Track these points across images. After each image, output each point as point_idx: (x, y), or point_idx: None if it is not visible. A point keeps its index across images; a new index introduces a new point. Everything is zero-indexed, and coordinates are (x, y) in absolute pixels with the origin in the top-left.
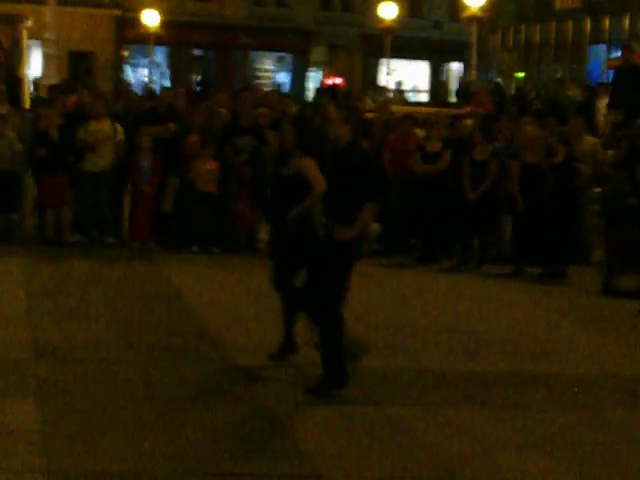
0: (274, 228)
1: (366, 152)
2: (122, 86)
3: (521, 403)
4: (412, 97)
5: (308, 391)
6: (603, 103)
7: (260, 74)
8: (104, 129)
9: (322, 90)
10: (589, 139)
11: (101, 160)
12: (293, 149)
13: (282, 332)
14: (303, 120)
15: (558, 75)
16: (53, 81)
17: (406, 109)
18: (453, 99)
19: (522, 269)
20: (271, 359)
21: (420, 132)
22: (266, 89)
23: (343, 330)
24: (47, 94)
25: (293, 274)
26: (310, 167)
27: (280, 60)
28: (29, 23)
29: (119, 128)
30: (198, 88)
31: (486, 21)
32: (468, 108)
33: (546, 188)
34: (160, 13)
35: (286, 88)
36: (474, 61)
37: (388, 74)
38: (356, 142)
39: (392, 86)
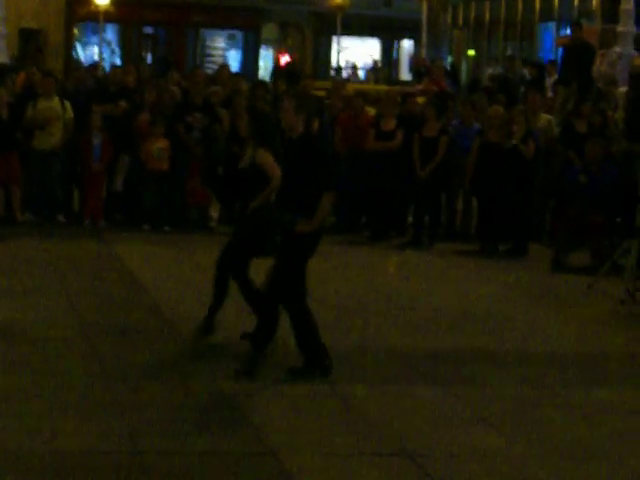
0: (236, 218)
1: (321, 142)
2: (72, 64)
3: (472, 379)
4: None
5: (291, 371)
6: (552, 81)
7: (211, 52)
8: (53, 107)
9: (278, 70)
10: (544, 116)
11: (51, 138)
12: (248, 138)
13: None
14: (257, 110)
15: (508, 53)
16: (2, 59)
17: (358, 87)
18: (405, 77)
19: (487, 247)
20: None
21: (371, 110)
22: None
23: (310, 314)
24: None
25: (247, 262)
26: (266, 158)
27: (231, 38)
28: None
29: (68, 106)
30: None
31: None
32: (421, 86)
33: (506, 166)
34: None
35: (237, 66)
36: (424, 39)
37: (339, 52)
38: (310, 132)
39: (343, 65)
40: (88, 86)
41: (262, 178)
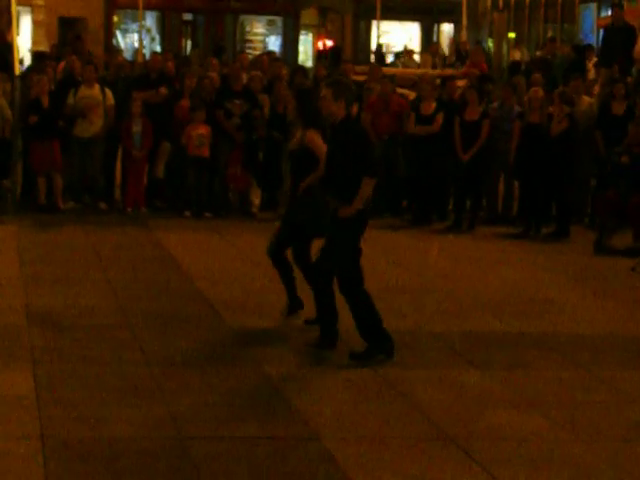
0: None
1: (362, 128)
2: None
3: (516, 363)
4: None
5: (352, 356)
6: (593, 63)
7: (251, 38)
8: (94, 95)
9: (322, 53)
10: (586, 99)
11: (91, 126)
12: (296, 121)
13: (286, 293)
14: (305, 92)
15: (548, 35)
16: (42, 48)
17: (395, 71)
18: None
19: (529, 230)
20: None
21: (410, 93)
22: (258, 53)
23: (369, 299)
24: (33, 61)
25: (306, 247)
26: (316, 139)
27: (270, 24)
28: None
29: (109, 93)
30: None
31: None
32: (463, 69)
33: (547, 148)
34: None
35: (277, 51)
36: (465, 22)
37: (380, 35)
38: (350, 118)
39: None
40: (128, 73)
41: (312, 159)
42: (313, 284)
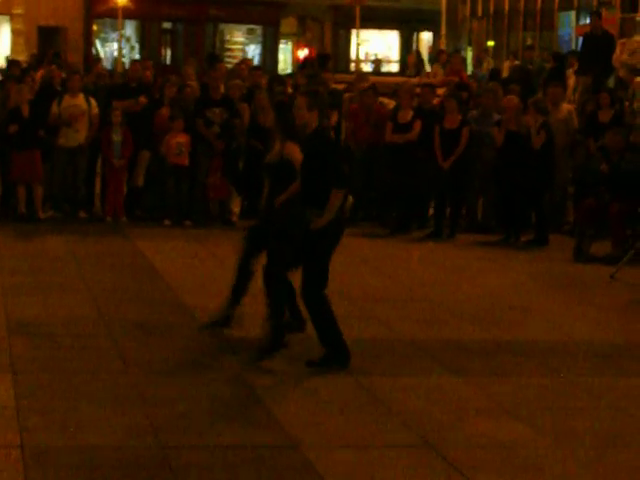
0: (260, 216)
1: (331, 138)
2: (92, 60)
3: (496, 370)
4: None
5: (309, 363)
6: (572, 71)
7: (230, 46)
8: (79, 104)
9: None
10: (565, 106)
11: (77, 135)
12: (275, 132)
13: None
14: (284, 104)
15: (527, 43)
16: (21, 57)
17: (376, 79)
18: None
19: (508, 238)
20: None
21: (390, 102)
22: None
23: (330, 308)
24: (8, 69)
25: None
26: (295, 152)
27: (250, 32)
28: None
29: (93, 102)
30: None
31: None
32: (440, 77)
33: (523, 156)
34: None
35: (257, 60)
36: (444, 30)
37: (359, 44)
38: (322, 129)
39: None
40: (107, 82)
41: (290, 171)
42: (268, 289)
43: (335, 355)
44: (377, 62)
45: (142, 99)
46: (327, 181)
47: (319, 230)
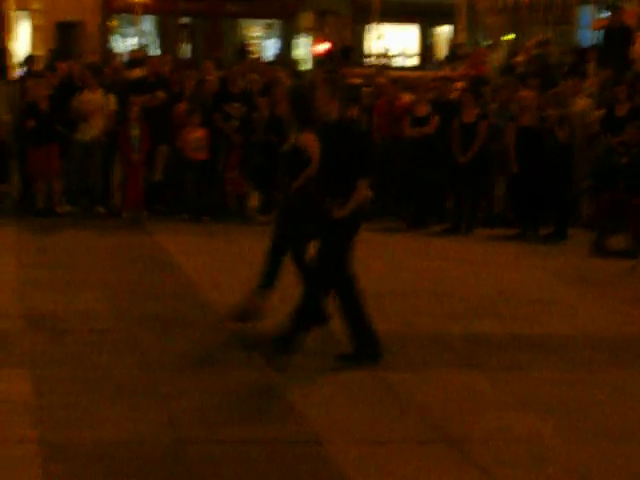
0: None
1: (357, 128)
2: (109, 56)
3: (515, 364)
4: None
5: (341, 358)
6: (592, 65)
7: (248, 41)
8: (96, 99)
9: (330, 53)
10: (581, 100)
11: (92, 130)
12: (290, 122)
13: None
14: (299, 93)
15: (546, 37)
16: (40, 52)
17: (396, 74)
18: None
19: (526, 232)
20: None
21: (410, 96)
22: (255, 56)
23: (359, 298)
24: (24, 64)
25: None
26: (309, 140)
27: (268, 27)
28: None
29: (112, 98)
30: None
31: None
32: (460, 70)
33: (541, 150)
34: None
35: (275, 54)
36: (463, 23)
37: (378, 38)
38: (345, 118)
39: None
40: (125, 77)
41: (304, 160)
42: (308, 286)
43: (366, 350)
44: (390, 57)
45: (160, 93)
46: (352, 170)
47: (337, 220)
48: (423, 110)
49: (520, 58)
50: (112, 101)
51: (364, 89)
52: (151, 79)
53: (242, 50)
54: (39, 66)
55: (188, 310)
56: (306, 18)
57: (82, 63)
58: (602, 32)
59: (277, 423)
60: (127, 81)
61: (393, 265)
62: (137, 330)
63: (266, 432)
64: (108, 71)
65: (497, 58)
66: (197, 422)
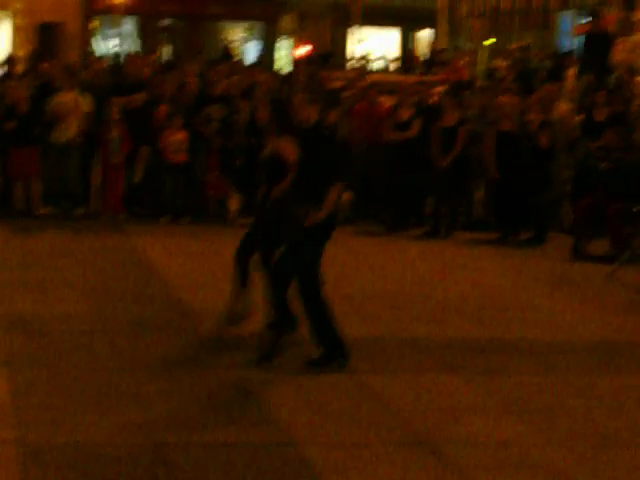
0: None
1: (331, 135)
2: (90, 57)
3: (493, 368)
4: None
5: (309, 363)
6: (572, 71)
7: (230, 44)
8: (69, 100)
9: (309, 56)
10: (562, 105)
11: (67, 131)
12: (269, 127)
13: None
14: (279, 100)
15: (526, 42)
16: (21, 53)
17: (377, 77)
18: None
19: (507, 236)
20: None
21: (390, 100)
22: (236, 58)
23: (324, 301)
24: (4, 65)
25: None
26: (287, 147)
27: (250, 29)
28: None
29: (87, 99)
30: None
31: None
32: (440, 75)
33: (522, 155)
34: None
35: (256, 57)
36: (444, 28)
37: (359, 41)
38: (321, 124)
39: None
40: (106, 79)
41: (283, 167)
42: (274, 289)
43: (333, 353)
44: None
45: (140, 95)
46: (325, 175)
47: (309, 226)
48: (406, 114)
49: (501, 63)
50: (87, 102)
51: (344, 93)
52: (131, 81)
53: (226, 52)
54: (20, 67)
55: (167, 312)
56: (287, 21)
57: (60, 64)
58: (581, 38)
59: (255, 426)
60: (108, 83)
61: (373, 268)
62: (116, 332)
63: (244, 435)
64: (88, 72)
65: (480, 62)
66: (175, 425)
